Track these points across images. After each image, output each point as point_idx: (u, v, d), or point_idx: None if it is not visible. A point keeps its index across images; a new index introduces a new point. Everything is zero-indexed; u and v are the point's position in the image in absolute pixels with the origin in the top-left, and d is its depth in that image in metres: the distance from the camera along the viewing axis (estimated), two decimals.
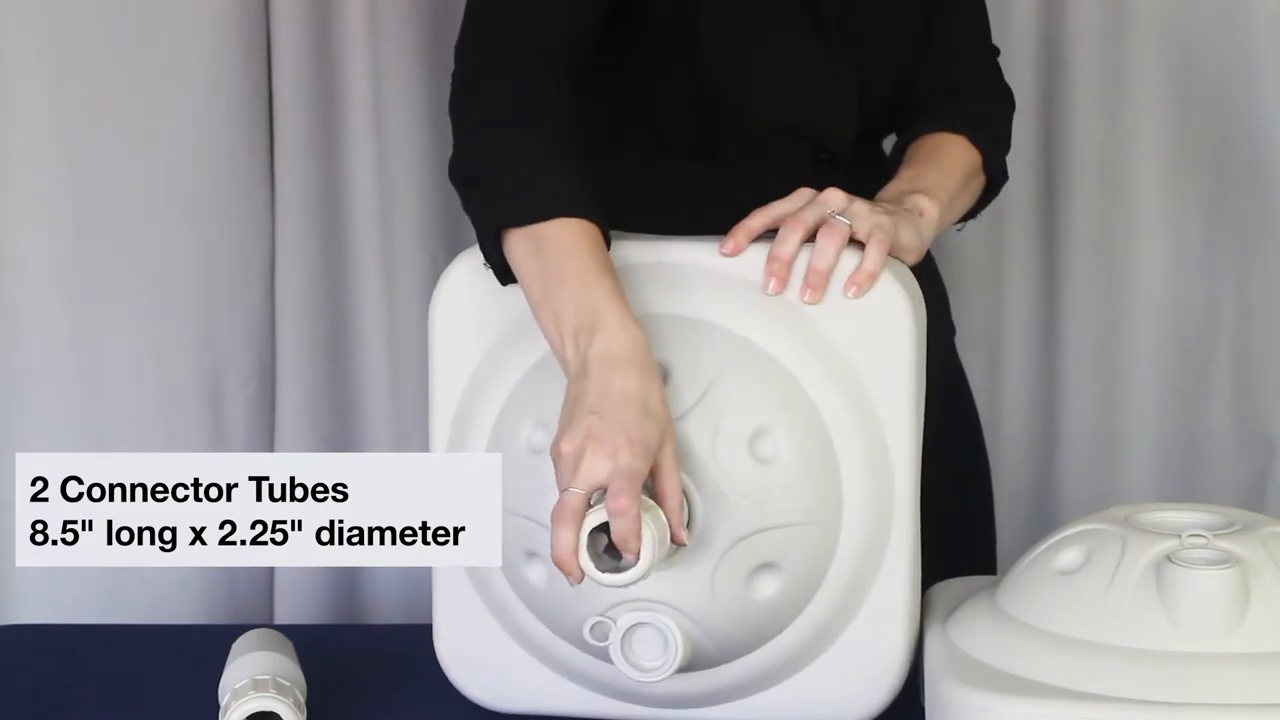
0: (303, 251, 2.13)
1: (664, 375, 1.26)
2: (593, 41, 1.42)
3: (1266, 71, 2.08)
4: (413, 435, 2.13)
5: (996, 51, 1.65)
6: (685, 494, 1.23)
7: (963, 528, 1.65)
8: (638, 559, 1.16)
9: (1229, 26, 2.09)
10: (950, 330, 1.69)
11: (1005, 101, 1.63)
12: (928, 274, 1.56)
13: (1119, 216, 2.15)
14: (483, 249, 1.30)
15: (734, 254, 1.30)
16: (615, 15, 1.43)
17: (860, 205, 1.31)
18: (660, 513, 1.19)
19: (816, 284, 1.28)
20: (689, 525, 1.24)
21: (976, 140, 1.51)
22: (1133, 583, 1.18)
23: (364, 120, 2.10)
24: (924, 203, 1.40)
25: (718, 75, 1.45)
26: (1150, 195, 2.15)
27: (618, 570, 1.17)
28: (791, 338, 1.28)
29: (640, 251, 1.33)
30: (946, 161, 1.48)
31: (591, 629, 1.25)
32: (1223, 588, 1.16)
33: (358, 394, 2.18)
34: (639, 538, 1.16)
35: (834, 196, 1.32)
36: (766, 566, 1.26)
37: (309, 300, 2.14)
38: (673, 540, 1.20)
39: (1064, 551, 1.25)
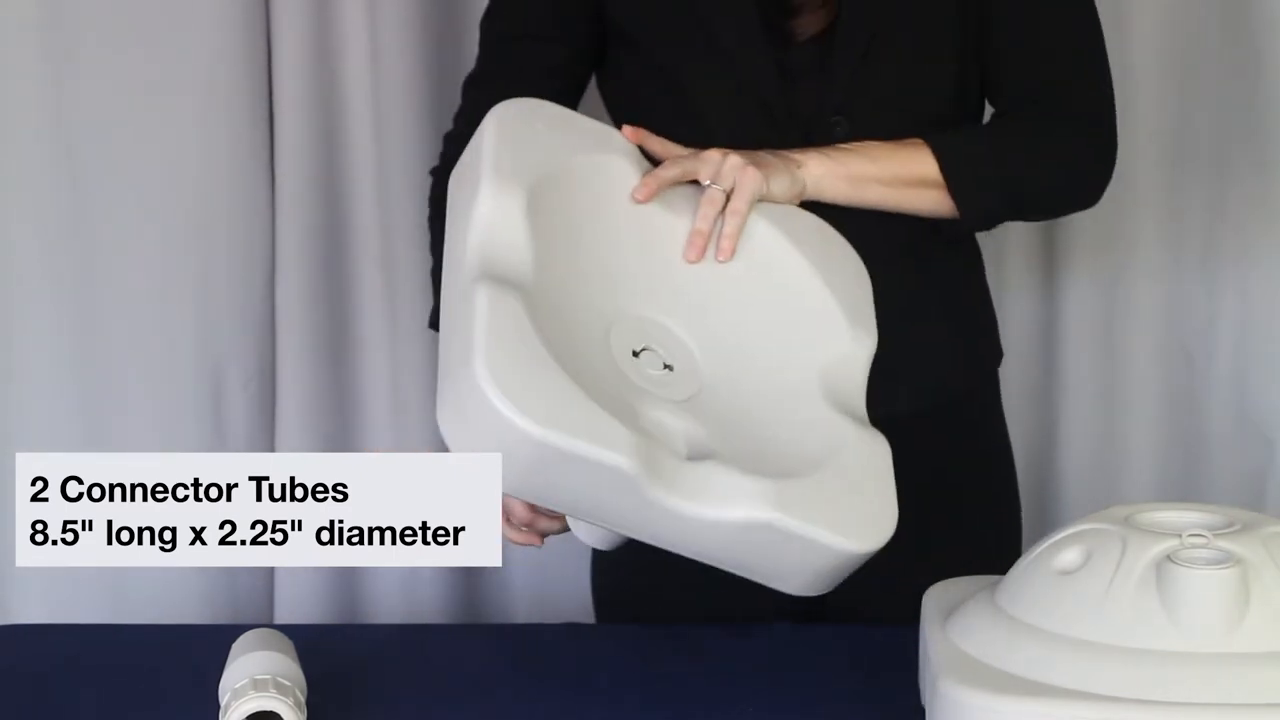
0: (303, 251, 2.12)
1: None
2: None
3: (1266, 70, 2.08)
4: (413, 435, 2.13)
5: (1093, 62, 1.66)
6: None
7: (990, 526, 1.66)
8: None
9: (1229, 26, 2.09)
10: (997, 355, 1.71)
11: (1047, 135, 1.64)
12: (975, 307, 1.69)
13: (1119, 216, 2.15)
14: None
15: (646, 200, 1.40)
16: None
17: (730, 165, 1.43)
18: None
19: (701, 245, 1.41)
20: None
21: (943, 164, 1.53)
22: (1133, 583, 1.18)
23: (364, 120, 2.10)
24: (811, 159, 1.49)
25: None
26: (1150, 195, 2.14)
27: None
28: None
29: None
30: (888, 154, 1.53)
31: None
32: (1223, 588, 1.16)
33: (358, 394, 2.17)
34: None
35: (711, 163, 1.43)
36: None
37: (309, 300, 2.14)
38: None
39: (1064, 551, 1.24)
